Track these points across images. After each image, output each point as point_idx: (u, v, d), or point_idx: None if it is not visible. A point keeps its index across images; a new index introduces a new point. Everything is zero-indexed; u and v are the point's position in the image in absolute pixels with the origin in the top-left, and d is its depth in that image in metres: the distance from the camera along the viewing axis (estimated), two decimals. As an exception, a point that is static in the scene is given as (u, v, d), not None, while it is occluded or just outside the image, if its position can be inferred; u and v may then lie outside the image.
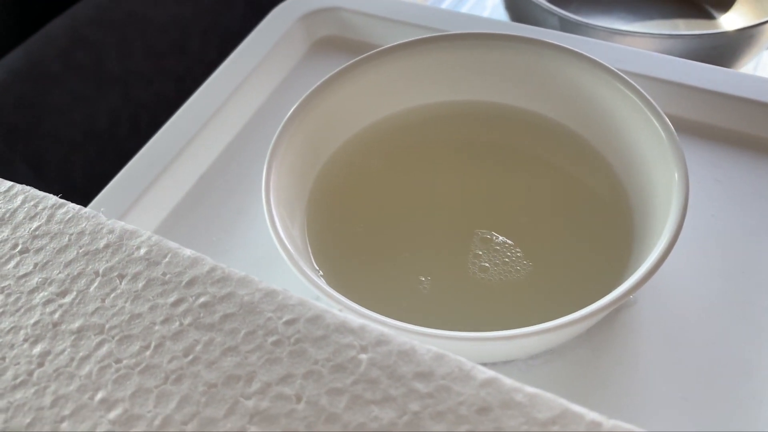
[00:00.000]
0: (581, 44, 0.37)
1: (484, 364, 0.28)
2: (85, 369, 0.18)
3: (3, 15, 0.76)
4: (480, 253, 0.30)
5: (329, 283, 0.30)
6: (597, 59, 0.30)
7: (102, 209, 0.22)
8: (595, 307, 0.23)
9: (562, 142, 0.33)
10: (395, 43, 0.32)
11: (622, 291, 0.24)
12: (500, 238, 0.30)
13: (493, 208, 0.32)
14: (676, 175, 0.26)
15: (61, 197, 0.23)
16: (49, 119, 0.70)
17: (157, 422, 0.17)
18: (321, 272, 0.31)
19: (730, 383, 0.27)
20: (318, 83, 0.31)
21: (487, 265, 0.30)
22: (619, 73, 0.30)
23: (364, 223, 0.32)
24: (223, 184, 0.35)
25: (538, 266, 0.29)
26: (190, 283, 0.20)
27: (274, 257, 0.30)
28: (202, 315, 0.19)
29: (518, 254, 0.30)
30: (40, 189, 0.22)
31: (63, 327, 0.19)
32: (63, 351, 0.19)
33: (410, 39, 0.33)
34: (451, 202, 0.32)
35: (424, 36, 0.33)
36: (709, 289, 0.29)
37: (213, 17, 0.84)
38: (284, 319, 0.19)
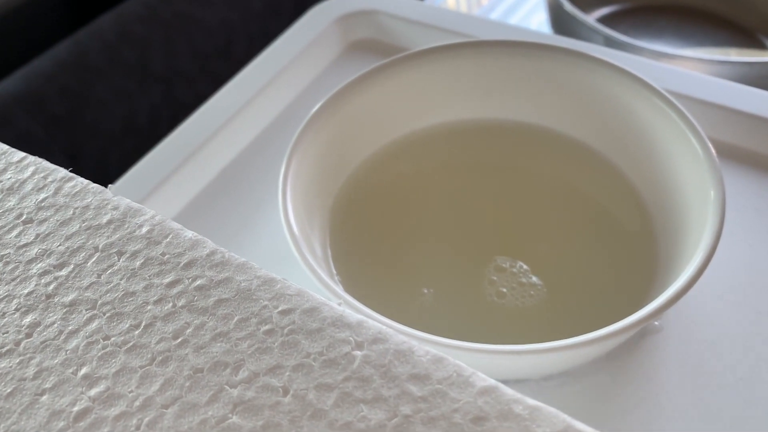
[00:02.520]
0: (621, 60, 0.36)
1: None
2: (72, 343, 0.18)
3: (55, 9, 0.78)
4: (495, 279, 0.29)
5: (346, 289, 0.29)
6: (636, 73, 0.29)
7: (110, 186, 0.22)
8: (608, 330, 0.22)
9: (589, 165, 0.32)
10: (427, 47, 0.32)
11: (640, 315, 0.22)
12: (519, 263, 0.29)
13: (516, 231, 0.31)
14: (712, 193, 0.25)
15: (71, 171, 0.22)
16: (90, 111, 0.71)
17: (137, 403, 0.17)
18: (338, 277, 0.30)
19: (758, 426, 0.25)
20: (345, 83, 0.31)
21: (504, 290, 0.28)
22: (659, 88, 0.28)
23: (387, 235, 0.31)
24: (244, 178, 0.35)
25: (557, 293, 0.28)
26: (188, 265, 0.19)
27: (288, 253, 0.29)
28: (196, 298, 0.18)
29: (536, 281, 0.29)
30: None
31: (56, 299, 0.19)
32: (53, 323, 0.18)
33: (445, 43, 0.32)
34: (476, 221, 0.31)
35: (459, 41, 0.32)
36: (741, 323, 0.27)
37: (260, 23, 0.85)
38: (280, 309, 0.18)
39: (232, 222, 0.33)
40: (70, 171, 0.22)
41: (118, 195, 0.21)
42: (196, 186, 0.34)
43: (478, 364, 0.24)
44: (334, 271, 0.30)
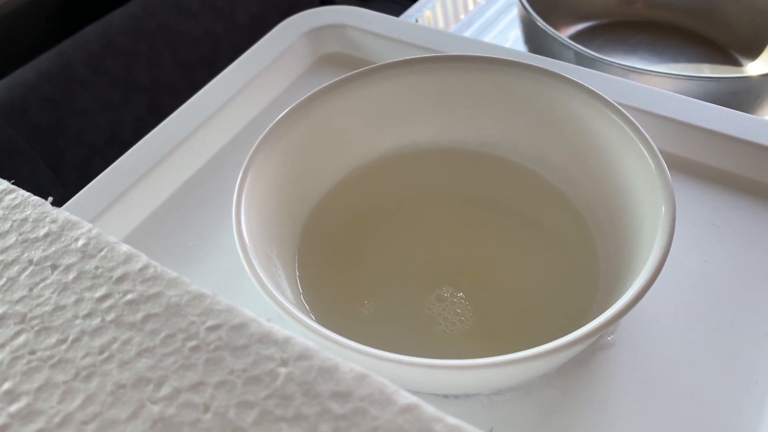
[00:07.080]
0: (581, 75, 0.36)
1: (445, 396, 0.27)
2: (-2, 358, 0.18)
3: (40, 21, 0.78)
4: (440, 306, 0.29)
5: (311, 308, 0.29)
6: (590, 87, 0.29)
7: (50, 198, 0.22)
8: (545, 347, 0.22)
9: (535, 190, 0.32)
10: (383, 63, 0.32)
11: (579, 334, 0.22)
12: (461, 293, 0.29)
13: (465, 261, 0.31)
14: (662, 208, 0.25)
15: (13, 183, 0.22)
16: (73, 122, 0.71)
17: (57, 419, 0.16)
18: (304, 294, 0.30)
19: (709, 441, 0.25)
20: (303, 98, 0.31)
21: (438, 318, 0.29)
22: (613, 102, 0.28)
23: (352, 258, 0.31)
24: (206, 191, 0.35)
25: (497, 317, 0.29)
26: (121, 279, 0.19)
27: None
28: (125, 313, 0.18)
29: (469, 308, 0.29)
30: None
31: (-15, 313, 0.19)
32: (-20, 338, 0.18)
33: (403, 58, 0.32)
34: (428, 250, 0.32)
35: (412, 57, 0.32)
36: (694, 338, 0.27)
37: (245, 34, 0.85)
38: (207, 325, 0.18)
39: (191, 234, 0.33)
40: (12, 183, 0.22)
41: (57, 208, 0.21)
42: (157, 199, 0.34)
43: (423, 380, 0.24)
44: (300, 290, 0.30)
